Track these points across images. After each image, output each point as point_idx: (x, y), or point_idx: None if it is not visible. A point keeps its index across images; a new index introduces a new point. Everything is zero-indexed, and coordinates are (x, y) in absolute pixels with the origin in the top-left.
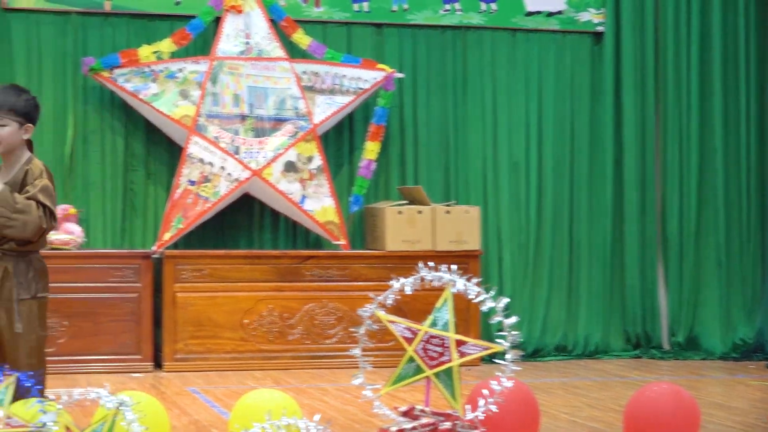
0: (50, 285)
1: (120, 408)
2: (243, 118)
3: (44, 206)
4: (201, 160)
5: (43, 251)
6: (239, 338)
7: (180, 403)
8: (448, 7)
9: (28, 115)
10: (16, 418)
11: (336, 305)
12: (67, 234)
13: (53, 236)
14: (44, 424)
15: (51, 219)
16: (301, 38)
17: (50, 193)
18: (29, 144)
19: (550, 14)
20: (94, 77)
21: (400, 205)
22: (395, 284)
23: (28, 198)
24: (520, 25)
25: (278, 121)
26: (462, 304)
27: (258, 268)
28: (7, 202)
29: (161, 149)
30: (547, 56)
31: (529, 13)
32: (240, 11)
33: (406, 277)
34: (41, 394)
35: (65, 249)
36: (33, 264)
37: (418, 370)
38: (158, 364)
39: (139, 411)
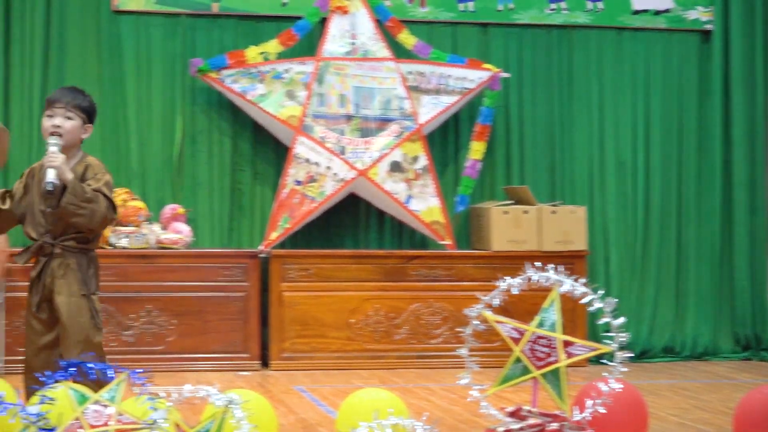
0: (160, 284)
1: (229, 406)
2: (349, 118)
3: (108, 199)
4: (307, 160)
5: (151, 250)
6: (345, 337)
7: (287, 401)
8: (554, 6)
9: (90, 116)
10: (128, 414)
11: (442, 305)
12: (176, 233)
13: (163, 235)
14: (155, 422)
15: (114, 212)
16: (407, 38)
17: (112, 187)
18: None
19: (657, 12)
20: (202, 78)
21: (505, 205)
22: (502, 284)
23: (94, 190)
24: (627, 23)
25: (384, 121)
26: (568, 305)
27: (364, 267)
28: (77, 192)
29: (268, 149)
30: (654, 55)
31: (636, 12)
32: (346, 12)
33: (512, 278)
34: None
35: (174, 248)
36: (93, 261)
37: (525, 371)
38: (265, 363)
39: (247, 409)
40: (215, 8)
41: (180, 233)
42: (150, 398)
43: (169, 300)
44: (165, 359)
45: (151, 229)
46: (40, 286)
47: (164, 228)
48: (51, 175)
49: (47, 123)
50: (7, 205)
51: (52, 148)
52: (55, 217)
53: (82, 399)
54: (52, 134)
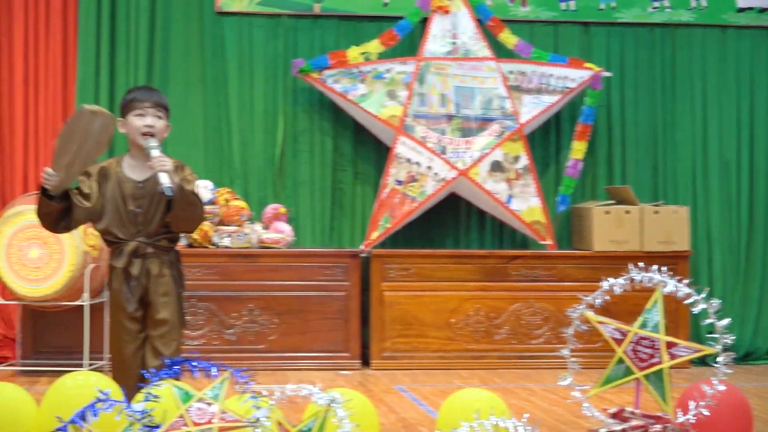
0: (262, 283)
1: (331, 405)
2: (450, 118)
3: (201, 200)
4: (408, 160)
5: (253, 249)
6: (446, 337)
7: (387, 400)
8: (656, 4)
9: (168, 117)
10: (231, 413)
11: (543, 305)
12: (278, 233)
13: (264, 235)
14: (258, 420)
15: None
16: (508, 38)
17: None
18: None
19: (762, 10)
20: (303, 78)
21: (607, 205)
22: (604, 285)
23: (192, 193)
24: (731, 21)
25: (485, 121)
26: (671, 306)
27: (464, 267)
28: (186, 195)
29: (369, 149)
30: (759, 53)
31: (741, 9)
32: (447, 11)
33: (613, 278)
34: None
35: (275, 248)
36: (180, 259)
37: (628, 372)
38: (365, 362)
39: (349, 408)
40: (317, 9)
41: (281, 233)
42: (253, 397)
43: (270, 299)
44: (266, 358)
45: (253, 228)
46: (138, 286)
47: (266, 227)
48: (166, 180)
49: (138, 122)
50: (89, 203)
51: (156, 152)
52: (147, 218)
53: (186, 397)
54: (144, 134)
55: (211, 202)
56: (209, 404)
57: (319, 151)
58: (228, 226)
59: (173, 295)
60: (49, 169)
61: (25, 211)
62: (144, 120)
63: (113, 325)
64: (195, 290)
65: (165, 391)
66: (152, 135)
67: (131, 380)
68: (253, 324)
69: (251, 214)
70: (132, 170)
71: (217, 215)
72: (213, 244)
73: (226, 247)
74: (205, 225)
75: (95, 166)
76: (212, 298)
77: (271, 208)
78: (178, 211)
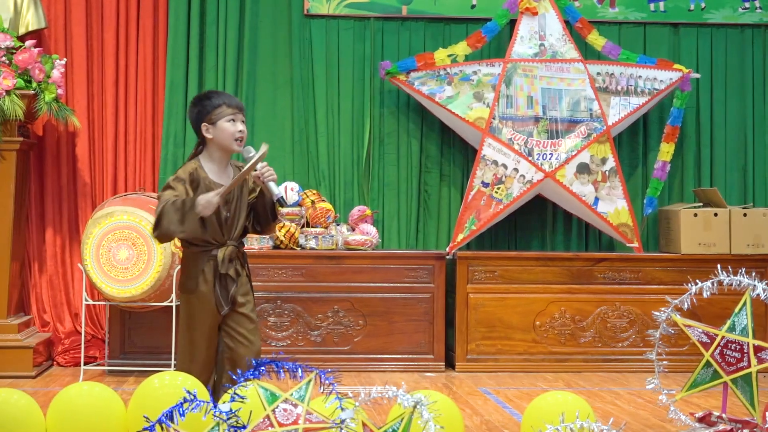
0: (347, 284)
1: (417, 407)
2: (536, 119)
3: None
4: (495, 162)
5: (339, 251)
6: (531, 340)
7: (472, 403)
8: (747, 4)
9: None
10: (316, 413)
11: (629, 308)
12: (363, 235)
13: (350, 236)
14: (343, 421)
15: None
16: (596, 39)
17: None
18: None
19: None
20: (390, 80)
21: (695, 207)
22: (692, 288)
23: None
24: None
25: (572, 123)
26: (760, 309)
27: (550, 270)
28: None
29: (455, 151)
30: None
31: None
32: (535, 13)
33: (701, 281)
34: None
35: (361, 249)
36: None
37: (715, 376)
38: (450, 364)
39: (434, 410)
40: (404, 11)
41: (367, 234)
42: (338, 398)
43: (356, 301)
44: (351, 359)
45: (339, 230)
46: (229, 288)
47: (352, 229)
48: (276, 189)
49: (232, 128)
50: None
51: (259, 165)
52: (234, 222)
53: (273, 397)
54: (237, 140)
55: (298, 204)
56: (295, 405)
57: (405, 153)
58: (314, 227)
59: (251, 294)
60: (216, 200)
61: (115, 212)
62: (236, 126)
63: (198, 326)
64: (280, 291)
65: (251, 392)
66: (242, 140)
67: (205, 379)
68: (338, 325)
69: (337, 216)
70: (216, 175)
71: (304, 217)
72: (299, 246)
73: (312, 249)
74: (292, 227)
75: (185, 171)
76: (298, 300)
77: (357, 210)
78: (278, 217)
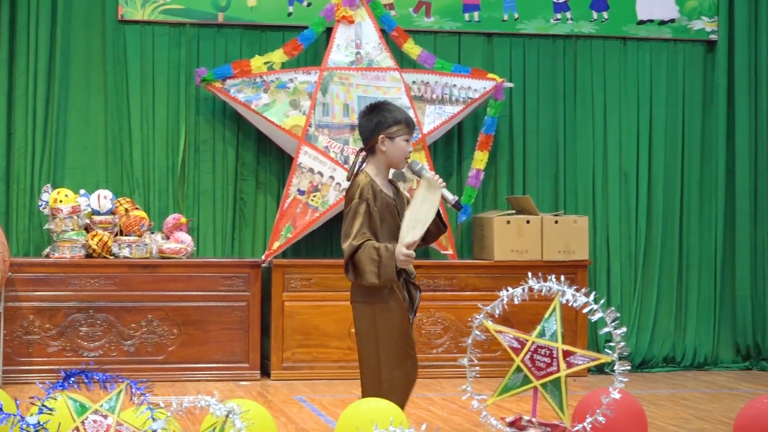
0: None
1: (229, 416)
2: (353, 127)
3: None
4: (311, 170)
5: (153, 259)
6: (346, 347)
7: (287, 411)
8: (559, 16)
9: None
10: (127, 424)
11: (443, 315)
12: (178, 243)
13: (165, 245)
14: (155, 431)
15: None
16: (412, 48)
17: None
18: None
19: (662, 23)
20: (206, 88)
21: (508, 214)
22: (504, 294)
23: None
24: (632, 33)
25: None
26: (570, 315)
27: None
28: None
29: (271, 159)
30: (659, 65)
31: (641, 22)
32: (351, 22)
33: (514, 287)
34: None
35: (176, 258)
36: None
37: (526, 381)
38: (265, 373)
39: (247, 419)
40: (220, 18)
41: (182, 243)
42: (150, 408)
43: (170, 310)
44: (166, 369)
45: (154, 238)
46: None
47: (166, 237)
48: (450, 194)
49: (408, 148)
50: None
51: (431, 173)
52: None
53: (82, 409)
54: (405, 159)
55: (111, 212)
56: (105, 416)
57: (221, 161)
58: (128, 236)
59: None
60: (412, 251)
61: None
62: (409, 146)
63: (400, 345)
64: (93, 301)
65: (60, 403)
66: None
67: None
68: (152, 335)
69: (151, 224)
70: (387, 189)
71: (117, 225)
72: (112, 255)
73: (126, 258)
74: (105, 235)
75: (368, 188)
76: (110, 309)
77: (171, 218)
78: (441, 226)
